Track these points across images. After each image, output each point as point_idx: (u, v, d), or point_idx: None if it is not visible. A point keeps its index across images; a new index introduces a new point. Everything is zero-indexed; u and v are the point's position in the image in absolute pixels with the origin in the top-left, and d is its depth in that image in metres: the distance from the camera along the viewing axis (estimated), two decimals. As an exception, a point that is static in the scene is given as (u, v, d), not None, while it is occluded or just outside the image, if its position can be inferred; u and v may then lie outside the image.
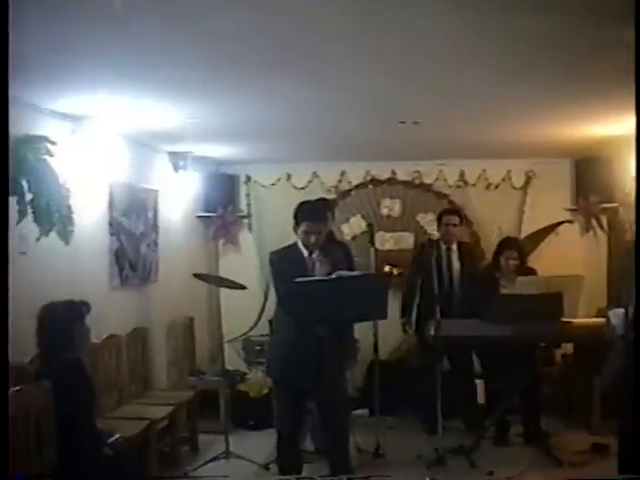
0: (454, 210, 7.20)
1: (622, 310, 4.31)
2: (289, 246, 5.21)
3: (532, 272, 6.53)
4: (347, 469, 5.31)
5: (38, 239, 3.86)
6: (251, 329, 7.65)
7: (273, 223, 8.20)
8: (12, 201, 3.77)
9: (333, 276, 4.75)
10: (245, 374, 7.58)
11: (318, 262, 4.91)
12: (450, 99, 5.31)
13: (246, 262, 8.38)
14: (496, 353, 6.28)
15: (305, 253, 5.02)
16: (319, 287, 4.68)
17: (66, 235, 3.87)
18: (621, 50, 3.85)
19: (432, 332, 5.77)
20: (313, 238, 4.98)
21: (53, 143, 4.05)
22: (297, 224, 5.09)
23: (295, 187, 8.42)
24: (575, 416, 6.93)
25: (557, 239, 7.95)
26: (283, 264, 5.05)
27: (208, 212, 8.24)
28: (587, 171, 7.82)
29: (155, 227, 7.00)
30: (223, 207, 8.24)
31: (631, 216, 6.83)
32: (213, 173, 8.37)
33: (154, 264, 6.97)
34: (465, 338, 6.08)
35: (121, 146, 6.24)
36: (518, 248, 6.59)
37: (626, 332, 4.22)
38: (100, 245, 5.97)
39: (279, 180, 8.51)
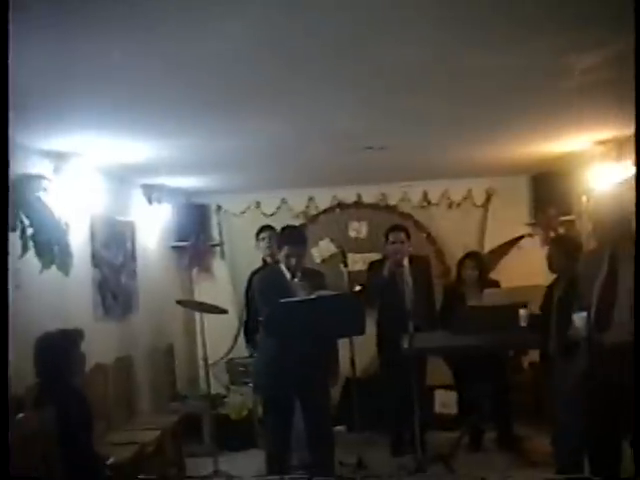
0: (400, 227, 7.07)
1: (585, 313, 4.58)
2: (271, 268, 5.49)
3: (495, 284, 6.91)
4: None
5: (40, 272, 4.08)
6: (228, 352, 7.92)
7: (244, 250, 8.42)
8: (14, 236, 4.00)
9: (313, 296, 5.03)
10: (224, 397, 7.78)
11: (300, 284, 5.20)
12: (412, 124, 5.59)
13: (220, 289, 8.57)
14: (466, 363, 6.60)
15: (288, 276, 5.30)
16: (302, 307, 4.95)
17: (66, 267, 4.10)
18: (571, 76, 4.23)
19: (406, 345, 6.02)
20: (294, 261, 5.27)
21: (48, 180, 4.27)
22: (279, 248, 5.38)
23: (264, 214, 8.64)
24: (545, 420, 7.20)
25: (519, 252, 8.26)
26: (266, 286, 5.34)
27: (181, 242, 8.44)
28: (544, 186, 8.15)
29: (133, 258, 7.21)
30: (196, 236, 8.44)
31: (587, 227, 7.21)
32: (185, 204, 8.57)
33: (134, 293, 7.17)
34: (437, 349, 6.41)
35: (99, 180, 6.45)
36: (478, 260, 7.00)
37: (589, 334, 4.52)
38: (84, 277, 6.17)
39: (249, 208, 8.73)
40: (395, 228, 6.98)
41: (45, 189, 4.21)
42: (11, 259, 4.16)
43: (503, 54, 3.83)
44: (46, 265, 4.00)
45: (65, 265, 4.09)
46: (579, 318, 4.62)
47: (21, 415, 4.13)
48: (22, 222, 3.93)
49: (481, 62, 3.95)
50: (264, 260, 6.96)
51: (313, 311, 4.91)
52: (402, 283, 6.52)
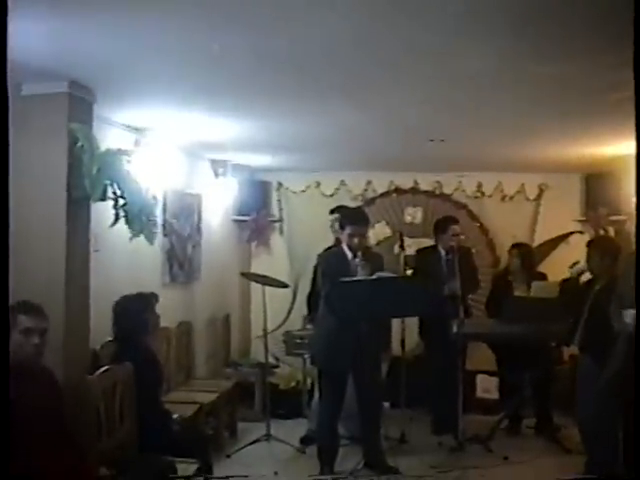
0: (456, 220, 7.32)
1: (633, 311, 4.81)
2: (334, 248, 5.81)
3: (543, 276, 7.17)
4: (379, 452, 5.92)
5: (130, 240, 4.47)
6: (280, 325, 8.27)
7: (302, 227, 8.86)
8: (107, 205, 4.38)
9: (374, 277, 5.35)
10: (275, 367, 8.14)
11: (361, 264, 5.51)
12: (471, 120, 5.88)
13: (277, 263, 8.86)
14: (510, 350, 6.86)
15: (349, 255, 5.62)
16: (362, 286, 5.27)
17: (151, 237, 4.47)
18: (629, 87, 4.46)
19: (455, 329, 6.32)
20: (356, 240, 5.58)
21: (131, 154, 4.63)
22: (342, 228, 5.69)
23: (323, 194, 8.93)
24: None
25: (568, 247, 8.43)
26: (329, 265, 5.67)
27: (243, 216, 8.79)
28: (596, 185, 8.36)
29: (199, 229, 7.59)
30: (257, 211, 8.79)
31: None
32: (248, 179, 8.87)
33: (198, 264, 7.57)
34: (483, 335, 6.73)
35: (172, 154, 6.81)
36: (523, 250, 7.29)
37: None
38: (155, 245, 6.54)
39: (309, 187, 9.02)
40: (453, 221, 7.23)
41: (130, 162, 4.54)
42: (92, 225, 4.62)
43: (563, 63, 4.08)
44: (135, 234, 4.36)
45: (151, 235, 4.47)
46: (629, 315, 4.85)
47: (103, 369, 4.53)
48: (115, 193, 4.27)
49: (542, 69, 4.20)
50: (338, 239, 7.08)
51: (372, 291, 5.22)
52: (450, 271, 6.84)
